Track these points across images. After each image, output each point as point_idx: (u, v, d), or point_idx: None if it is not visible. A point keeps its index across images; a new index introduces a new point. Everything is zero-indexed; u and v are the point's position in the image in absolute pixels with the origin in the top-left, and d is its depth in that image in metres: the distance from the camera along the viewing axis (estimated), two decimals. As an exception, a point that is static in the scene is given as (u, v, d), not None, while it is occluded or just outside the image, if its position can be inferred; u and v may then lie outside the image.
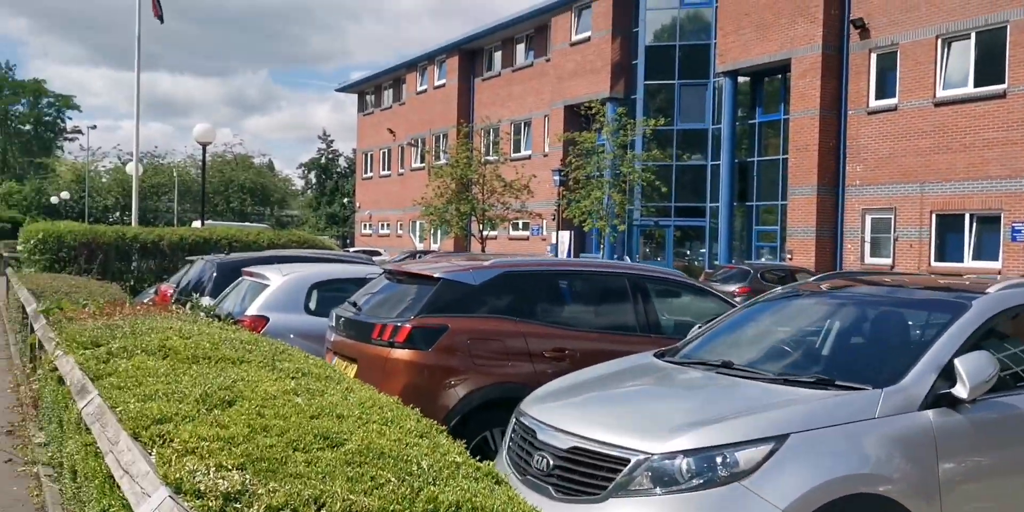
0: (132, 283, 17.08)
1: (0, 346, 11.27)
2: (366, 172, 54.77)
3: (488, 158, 30.16)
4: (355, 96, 57.43)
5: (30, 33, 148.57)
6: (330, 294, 7.85)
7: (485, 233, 29.41)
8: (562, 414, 4.06)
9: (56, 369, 5.27)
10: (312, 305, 7.63)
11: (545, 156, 35.03)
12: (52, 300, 9.83)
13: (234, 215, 68.08)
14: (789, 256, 24.11)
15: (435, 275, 5.84)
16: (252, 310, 7.43)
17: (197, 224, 37.86)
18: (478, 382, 5.58)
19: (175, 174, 64.15)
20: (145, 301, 13.54)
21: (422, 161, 46.10)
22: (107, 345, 5.12)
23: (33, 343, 8.22)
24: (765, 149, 26.57)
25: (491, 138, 37.21)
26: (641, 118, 27.13)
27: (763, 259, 25.81)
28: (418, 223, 46.23)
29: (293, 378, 4.40)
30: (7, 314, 14.18)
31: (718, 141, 27.50)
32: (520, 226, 35.58)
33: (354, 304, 6.29)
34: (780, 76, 25.64)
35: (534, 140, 36.41)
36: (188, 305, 7.56)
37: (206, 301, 8.89)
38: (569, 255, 24.75)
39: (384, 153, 51.75)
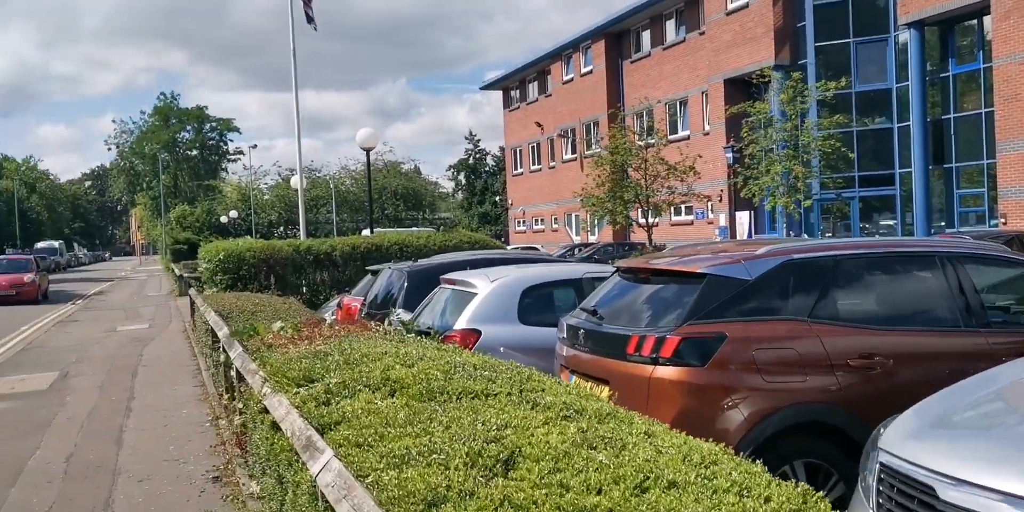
0: (308, 296, 16.81)
1: (191, 372, 10.93)
2: (516, 168, 54.24)
3: (648, 141, 28.57)
4: (498, 94, 57.15)
5: (188, 64, 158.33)
6: (542, 300, 6.84)
7: (651, 220, 27.89)
8: (980, 461, 2.78)
9: (266, 410, 4.45)
10: (524, 313, 6.60)
11: (706, 134, 33.15)
12: (240, 321, 9.30)
13: (389, 221, 69.29)
14: (1002, 220, 21.44)
15: (699, 270, 4.65)
16: (462, 323, 6.48)
17: (366, 233, 38.25)
18: (770, 403, 4.36)
19: (332, 186, 65.84)
20: (327, 315, 13.05)
21: (573, 152, 45.07)
22: (322, 380, 4.25)
23: (228, 369, 7.63)
24: (962, 104, 23.83)
25: (645, 121, 35.60)
26: (814, 83, 24.90)
27: (969, 226, 23.14)
28: (574, 216, 45.20)
29: (567, 418, 3.35)
30: (194, 336, 14.05)
31: (904, 100, 24.94)
32: (683, 211, 33.85)
33: (592, 312, 5.19)
34: (976, 21, 22.89)
35: (691, 119, 34.59)
36: (386, 321, 6.71)
37: (400, 314, 8.08)
38: (749, 237, 22.95)
39: (533, 147, 51.06)
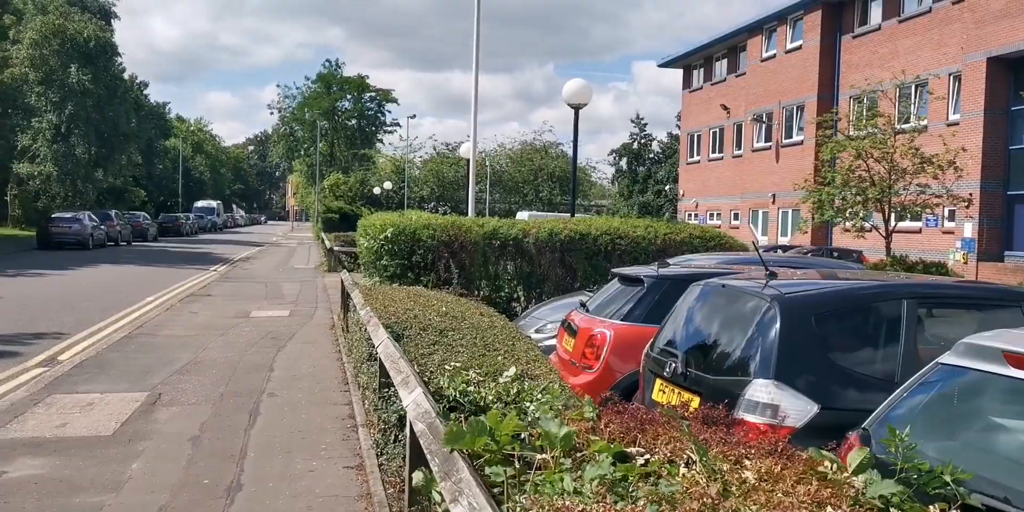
0: (488, 292, 12.78)
1: (339, 422, 6.91)
2: (692, 155, 48.95)
3: (901, 127, 23.04)
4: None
5: (345, 41, 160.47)
6: None
7: (892, 225, 22.50)
8: None
9: None
10: None
11: (950, 125, 27.26)
12: (423, 347, 5.32)
13: (543, 205, 65.82)
14: None
15: None
16: None
17: (522, 215, 34.32)
18: None
19: (488, 163, 62.54)
20: (531, 333, 8.98)
21: (767, 140, 39.50)
22: None
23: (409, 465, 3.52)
24: None
25: (864, 107, 29.81)
26: None
27: None
28: (760, 212, 39.77)
29: None
30: (345, 342, 10.18)
31: None
32: (908, 216, 28.04)
33: None
34: None
35: (931, 106, 28.68)
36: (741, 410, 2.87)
37: (773, 395, 3.75)
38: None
39: (715, 133, 45.73)
